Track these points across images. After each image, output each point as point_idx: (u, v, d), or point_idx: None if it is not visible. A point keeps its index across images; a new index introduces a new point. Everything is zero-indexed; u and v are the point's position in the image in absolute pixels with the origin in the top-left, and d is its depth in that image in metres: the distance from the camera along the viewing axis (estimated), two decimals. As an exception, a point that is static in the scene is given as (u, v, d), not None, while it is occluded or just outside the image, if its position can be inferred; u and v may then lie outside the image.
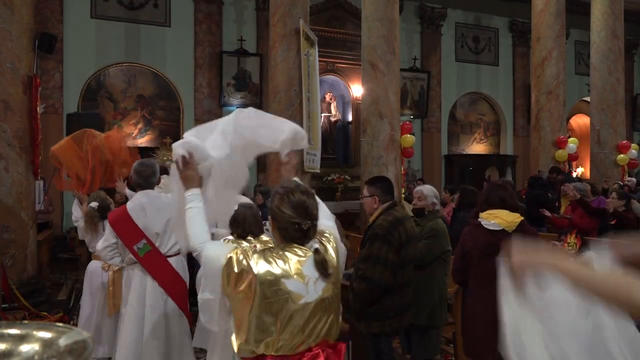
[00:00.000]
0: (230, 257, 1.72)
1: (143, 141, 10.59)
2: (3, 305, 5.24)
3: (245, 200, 3.14)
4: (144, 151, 10.33)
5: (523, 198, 7.62)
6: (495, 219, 2.95)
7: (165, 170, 3.96)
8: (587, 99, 12.05)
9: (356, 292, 3.12)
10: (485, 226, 2.95)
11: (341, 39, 11.59)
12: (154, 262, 3.32)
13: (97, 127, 5.30)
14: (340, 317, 1.93)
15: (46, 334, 0.65)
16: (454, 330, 4.39)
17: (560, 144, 9.79)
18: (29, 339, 0.64)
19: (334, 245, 1.90)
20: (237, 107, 10.54)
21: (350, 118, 12.36)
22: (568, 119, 14.17)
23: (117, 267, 3.83)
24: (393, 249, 3.07)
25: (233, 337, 1.78)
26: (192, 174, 2.10)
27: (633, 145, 10.51)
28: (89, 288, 4.27)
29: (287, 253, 1.76)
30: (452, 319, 4.32)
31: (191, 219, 1.95)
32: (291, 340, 1.75)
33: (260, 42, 10.99)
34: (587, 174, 13.09)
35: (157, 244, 3.35)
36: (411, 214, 3.93)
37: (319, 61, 8.77)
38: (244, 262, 1.70)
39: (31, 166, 5.87)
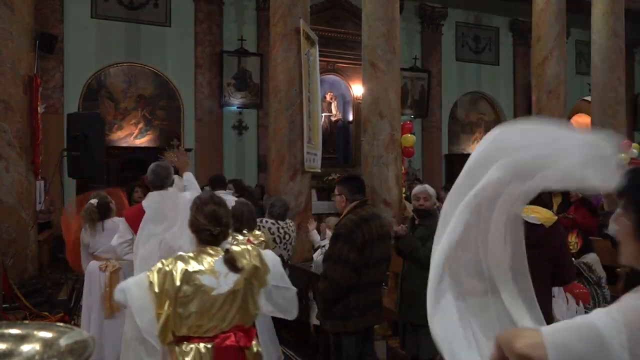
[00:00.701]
0: (151, 275, 2.09)
1: (143, 141, 10.60)
2: (4, 305, 5.25)
3: (231, 198, 3.49)
4: (144, 151, 10.38)
5: None
6: (535, 213, 3.11)
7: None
8: (588, 98, 12.05)
9: (320, 291, 3.30)
10: (525, 219, 2.96)
11: (342, 38, 11.59)
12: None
13: (97, 127, 5.31)
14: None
15: (47, 334, 0.65)
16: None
17: (561, 144, 9.76)
18: (30, 338, 0.64)
19: (254, 249, 2.28)
20: (237, 107, 10.55)
21: (350, 118, 12.36)
22: (569, 118, 14.15)
23: (114, 269, 3.96)
24: (355, 248, 3.19)
25: (158, 326, 2.09)
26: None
27: (634, 144, 10.48)
28: (89, 288, 4.28)
29: (202, 254, 2.15)
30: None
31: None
32: (207, 324, 2.11)
33: (261, 42, 10.99)
34: (588, 174, 13.07)
35: None
36: (411, 213, 3.93)
37: (320, 61, 8.75)
38: (166, 269, 2.09)
39: (32, 166, 5.88)
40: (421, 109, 12.99)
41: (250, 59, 11.07)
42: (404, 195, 8.03)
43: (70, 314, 5.58)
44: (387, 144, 7.70)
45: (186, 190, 3.68)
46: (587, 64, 11.86)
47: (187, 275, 2.09)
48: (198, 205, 2.24)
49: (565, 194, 6.70)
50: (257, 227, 4.00)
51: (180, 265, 2.10)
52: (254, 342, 2.24)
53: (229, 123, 11.19)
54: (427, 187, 3.95)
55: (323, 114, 11.74)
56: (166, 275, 2.07)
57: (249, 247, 2.29)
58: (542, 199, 3.22)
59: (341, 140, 12.47)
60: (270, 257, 2.34)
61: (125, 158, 10.20)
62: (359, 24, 8.34)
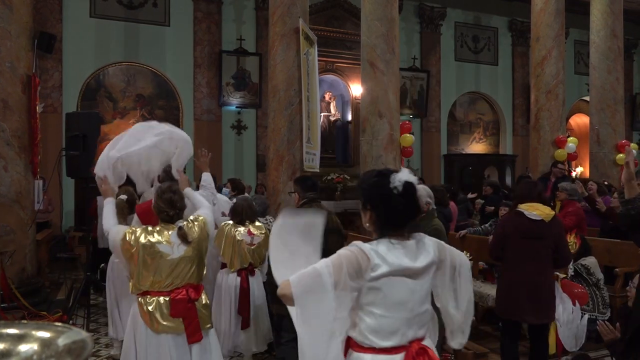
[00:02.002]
0: (125, 234, 2.81)
1: (142, 140, 10.58)
2: (2, 305, 5.24)
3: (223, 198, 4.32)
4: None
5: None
6: (536, 210, 3.70)
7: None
8: (587, 98, 12.05)
9: (273, 277, 3.64)
10: (528, 215, 3.68)
11: (341, 38, 11.60)
12: None
13: (96, 127, 5.29)
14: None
15: (45, 334, 0.65)
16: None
17: (560, 144, 9.78)
18: (28, 338, 0.64)
19: (201, 225, 2.94)
20: (236, 107, 10.55)
21: (349, 117, 12.36)
22: (567, 118, 14.16)
23: None
24: None
25: (130, 283, 2.86)
26: (106, 188, 3.26)
27: (632, 144, 10.50)
28: (112, 277, 4.49)
29: (162, 229, 2.86)
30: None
31: (106, 213, 3.05)
32: (165, 281, 2.81)
33: (260, 42, 11.00)
34: (587, 174, 13.10)
35: None
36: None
37: (319, 60, 8.75)
38: (133, 237, 2.80)
39: (30, 166, 5.86)
40: (420, 109, 13.00)
41: (249, 59, 11.07)
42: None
43: (69, 313, 5.57)
44: (386, 144, 7.71)
45: (202, 188, 4.15)
46: (586, 64, 11.88)
47: (149, 243, 2.77)
48: (159, 194, 2.91)
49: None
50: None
51: (145, 235, 2.80)
52: (203, 296, 2.94)
53: (228, 123, 11.19)
54: (422, 187, 3.96)
55: (322, 114, 11.74)
56: (135, 239, 2.79)
57: (199, 218, 2.98)
58: (542, 197, 3.77)
59: (340, 140, 12.47)
60: (211, 222, 3.03)
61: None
62: (358, 23, 8.34)
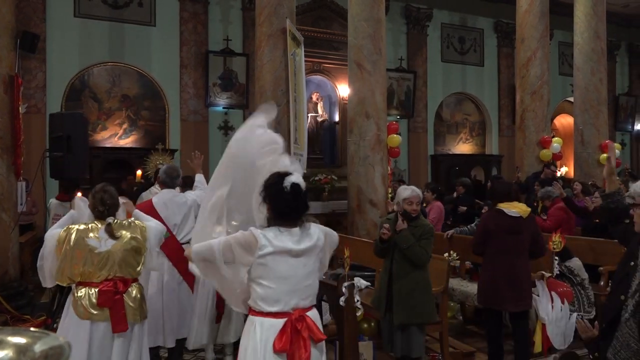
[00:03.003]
0: (60, 237, 3.07)
1: (128, 141, 10.49)
2: (-16, 309, 5.15)
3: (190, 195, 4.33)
4: (129, 151, 10.28)
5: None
6: (515, 208, 4.13)
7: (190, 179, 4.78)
8: (571, 99, 12.19)
9: None
10: (508, 213, 4.11)
11: (328, 39, 11.59)
12: (171, 247, 4.07)
13: (80, 128, 5.23)
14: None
15: (21, 340, 0.64)
16: (440, 330, 4.42)
17: (545, 144, 9.89)
18: (3, 345, 0.62)
19: (140, 228, 3.21)
20: (223, 108, 10.48)
21: (337, 118, 12.36)
22: (552, 119, 14.32)
23: None
24: None
25: (56, 274, 3.06)
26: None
27: (616, 144, 10.63)
28: None
29: (95, 224, 3.13)
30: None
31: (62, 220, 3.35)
32: (94, 273, 3.05)
33: (247, 42, 10.95)
34: (572, 173, 13.25)
35: (174, 233, 4.17)
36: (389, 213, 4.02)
37: (306, 61, 8.75)
38: (66, 234, 3.06)
39: (13, 167, 5.78)
40: (407, 109, 13.04)
41: (236, 59, 11.02)
42: (390, 195, 8.05)
43: (53, 317, 5.49)
44: (373, 145, 7.72)
45: (196, 189, 4.41)
46: (570, 65, 12.01)
47: (80, 238, 3.04)
48: (92, 193, 3.21)
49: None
50: None
51: (76, 231, 3.06)
52: (133, 290, 3.15)
53: (215, 123, 11.12)
54: (419, 191, 3.98)
55: (309, 115, 11.73)
56: (66, 236, 3.04)
57: (137, 223, 3.24)
58: (518, 196, 4.34)
59: (327, 140, 12.46)
60: (154, 230, 3.26)
61: (109, 159, 10.09)
62: (345, 24, 8.34)
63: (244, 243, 2.28)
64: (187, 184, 5.09)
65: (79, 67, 9.99)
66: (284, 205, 2.33)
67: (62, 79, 9.82)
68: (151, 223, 3.33)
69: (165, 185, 4.24)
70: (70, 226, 3.11)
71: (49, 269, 3.10)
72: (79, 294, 3.03)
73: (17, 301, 5.64)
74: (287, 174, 2.39)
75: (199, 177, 4.47)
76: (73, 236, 3.03)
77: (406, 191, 3.89)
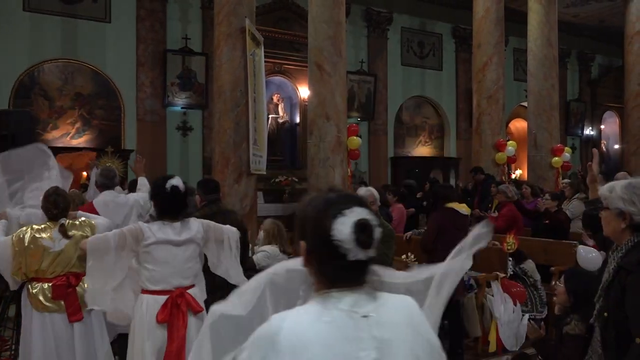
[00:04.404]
0: (13, 239, 3.23)
1: (81, 141, 10.12)
2: None
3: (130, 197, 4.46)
4: (82, 151, 9.89)
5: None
6: (462, 207, 4.67)
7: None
8: (525, 104, 12.58)
9: None
10: (460, 212, 4.62)
11: (289, 40, 11.54)
12: None
13: (26, 126, 4.99)
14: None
15: None
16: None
17: (500, 147, 10.15)
18: None
19: (90, 225, 3.41)
20: (181, 108, 10.25)
21: (298, 120, 12.32)
22: (507, 123, 14.72)
23: None
24: None
25: (14, 271, 3.22)
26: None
27: (566, 148, 11.05)
28: None
29: (47, 226, 3.31)
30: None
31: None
32: (48, 270, 3.26)
33: (206, 41, 10.76)
34: (525, 176, 13.66)
35: None
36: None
37: (267, 62, 8.66)
38: (20, 237, 3.24)
39: (-47, 167, 5.44)
40: (367, 112, 13.14)
41: (195, 59, 10.82)
42: (350, 197, 8.07)
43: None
44: (333, 147, 7.72)
45: (139, 191, 4.49)
46: (524, 71, 12.38)
47: (34, 238, 3.24)
48: (45, 196, 3.38)
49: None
50: None
51: (30, 232, 3.26)
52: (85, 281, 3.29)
53: (173, 124, 10.88)
54: (373, 190, 3.98)
55: (270, 116, 11.64)
56: (20, 238, 3.22)
57: (87, 221, 3.45)
58: (459, 197, 4.80)
59: (288, 142, 12.40)
60: (102, 227, 3.40)
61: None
62: (306, 26, 8.32)
63: (134, 233, 2.78)
64: (132, 188, 5.09)
65: (28, 64, 9.57)
66: (165, 203, 2.86)
67: (9, 75, 9.38)
68: (99, 220, 3.53)
69: (104, 187, 4.33)
70: (22, 229, 3.32)
71: (7, 273, 3.28)
72: (34, 290, 3.25)
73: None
74: (170, 177, 2.91)
75: (142, 180, 4.58)
76: (27, 236, 3.24)
77: (360, 191, 3.90)
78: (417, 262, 5.55)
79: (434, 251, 4.43)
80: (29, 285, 3.30)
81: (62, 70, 10.04)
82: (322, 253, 1.13)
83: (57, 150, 9.54)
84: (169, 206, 2.87)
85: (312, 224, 1.15)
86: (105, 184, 4.34)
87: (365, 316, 1.11)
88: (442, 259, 4.41)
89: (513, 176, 14.69)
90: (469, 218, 4.66)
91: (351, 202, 1.14)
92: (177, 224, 2.87)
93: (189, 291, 2.86)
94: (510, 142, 10.82)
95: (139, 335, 2.77)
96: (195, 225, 2.95)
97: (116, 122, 10.47)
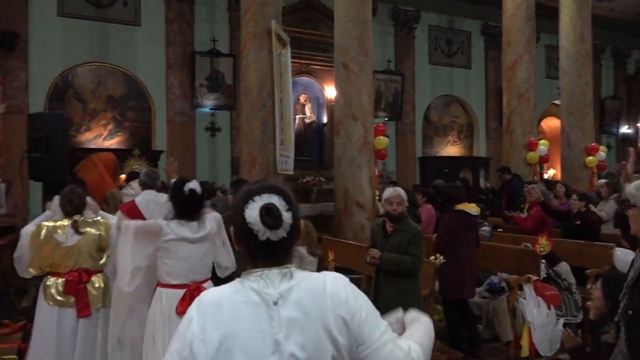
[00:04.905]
0: (33, 232, 3.43)
1: (113, 142, 10.33)
2: (-40, 314, 5.02)
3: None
4: (114, 153, 10.08)
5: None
6: (473, 208, 4.81)
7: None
8: (558, 102, 12.27)
9: None
10: (470, 212, 4.75)
11: (315, 40, 11.53)
12: None
13: (60, 129, 5.11)
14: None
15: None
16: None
17: (532, 146, 9.91)
18: None
19: (105, 225, 3.57)
20: (209, 109, 10.38)
21: (324, 120, 12.31)
22: (539, 121, 14.41)
23: None
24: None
25: (29, 263, 3.42)
26: None
27: (601, 147, 10.72)
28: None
29: (61, 221, 3.49)
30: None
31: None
32: (61, 264, 3.43)
33: (233, 43, 10.85)
34: (558, 176, 13.33)
35: None
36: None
37: (293, 63, 8.67)
38: (38, 230, 3.43)
39: (-9, 168, 5.63)
40: (395, 111, 13.03)
41: (222, 60, 10.92)
42: (377, 197, 8.01)
43: (32, 321, 5.37)
44: (360, 146, 7.68)
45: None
46: (556, 68, 12.08)
47: (49, 233, 3.42)
48: (62, 194, 3.57)
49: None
50: None
51: (48, 227, 3.44)
52: (97, 280, 3.51)
53: (202, 125, 11.01)
54: (400, 190, 3.90)
55: (297, 116, 11.67)
56: (37, 232, 3.41)
57: (101, 220, 3.60)
58: (464, 198, 4.83)
59: (315, 142, 12.40)
60: (116, 226, 3.48)
61: (94, 160, 9.92)
62: (332, 26, 8.30)
63: (152, 229, 3.03)
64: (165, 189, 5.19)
65: (62, 67, 9.83)
66: (183, 205, 3.06)
67: (44, 79, 9.64)
68: (114, 221, 3.59)
69: (146, 186, 4.44)
70: (42, 223, 3.49)
71: (24, 261, 3.46)
72: (48, 283, 3.43)
73: (-5, 306, 5.50)
74: (188, 180, 3.11)
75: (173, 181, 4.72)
76: (43, 231, 3.43)
77: (387, 192, 3.84)
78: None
79: (445, 251, 4.54)
80: (45, 279, 3.47)
81: (95, 74, 10.27)
82: (242, 235, 1.28)
83: (90, 152, 9.91)
84: (187, 208, 3.07)
85: (234, 210, 1.32)
86: (147, 184, 4.47)
87: (275, 302, 1.22)
88: (454, 258, 4.47)
89: (546, 176, 14.35)
90: (477, 217, 4.87)
91: (265, 190, 1.29)
92: (194, 223, 3.08)
93: (204, 285, 3.06)
94: (542, 141, 10.56)
95: (158, 324, 2.94)
96: (210, 223, 3.18)
97: (147, 123, 10.66)
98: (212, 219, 3.21)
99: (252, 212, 1.25)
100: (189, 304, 2.64)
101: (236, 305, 1.23)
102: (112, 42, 10.18)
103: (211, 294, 1.31)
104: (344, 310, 1.25)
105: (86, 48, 9.99)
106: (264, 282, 1.26)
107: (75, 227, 3.46)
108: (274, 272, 1.27)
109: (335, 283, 1.29)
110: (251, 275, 1.28)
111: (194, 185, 3.09)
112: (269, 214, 1.25)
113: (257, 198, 1.27)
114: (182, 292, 2.97)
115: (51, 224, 3.49)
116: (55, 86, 9.87)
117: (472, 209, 4.76)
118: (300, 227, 1.35)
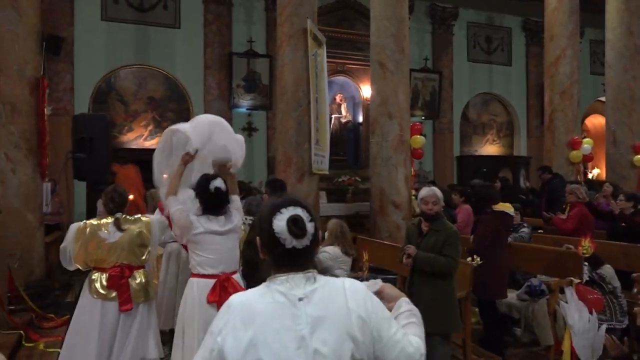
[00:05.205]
0: (79, 228, 3.57)
1: (153, 143, 10.59)
2: (10, 307, 5.24)
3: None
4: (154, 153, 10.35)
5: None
6: (509, 208, 4.93)
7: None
8: (603, 99, 11.82)
9: None
10: (509, 213, 4.90)
11: (351, 39, 11.49)
12: None
13: (103, 129, 5.28)
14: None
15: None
16: (463, 337, 4.28)
17: (575, 145, 9.58)
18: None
19: (145, 223, 3.64)
20: (246, 109, 10.47)
21: (360, 119, 12.26)
22: (583, 119, 13.91)
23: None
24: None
25: (75, 258, 3.55)
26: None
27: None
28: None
29: (107, 220, 3.59)
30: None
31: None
32: (105, 260, 3.53)
33: (270, 43, 10.94)
34: (603, 175, 12.84)
35: None
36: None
37: (329, 62, 8.67)
38: (83, 226, 3.58)
39: (38, 168, 5.86)
40: (432, 110, 12.85)
41: (259, 61, 11.03)
42: (413, 197, 7.92)
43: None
44: (396, 145, 7.61)
45: None
46: (602, 64, 11.64)
47: (94, 230, 3.56)
48: (105, 192, 3.70)
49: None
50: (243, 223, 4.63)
51: (91, 225, 3.59)
52: (139, 275, 3.60)
53: (239, 125, 11.15)
54: (436, 190, 3.83)
55: (333, 116, 11.65)
56: (83, 228, 3.57)
57: (142, 218, 3.69)
58: (499, 198, 4.94)
59: (351, 142, 12.36)
60: (156, 223, 3.66)
61: (135, 160, 10.19)
62: (369, 24, 8.25)
63: (184, 223, 3.19)
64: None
65: (105, 70, 10.15)
66: (209, 201, 3.22)
67: (89, 81, 9.99)
68: (153, 217, 3.79)
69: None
70: (87, 221, 3.69)
71: (69, 254, 3.61)
72: (93, 277, 3.57)
73: (42, 300, 5.72)
74: (213, 177, 3.26)
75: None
76: (88, 229, 3.59)
77: (422, 191, 3.79)
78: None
79: (483, 252, 4.54)
80: (91, 273, 3.63)
81: (136, 75, 10.56)
82: (268, 244, 1.41)
83: (132, 152, 10.21)
84: (212, 204, 3.24)
85: (261, 222, 1.45)
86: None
87: (300, 299, 1.36)
88: (491, 258, 4.50)
89: (590, 175, 13.86)
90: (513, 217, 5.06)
91: (290, 204, 1.42)
92: (222, 217, 3.27)
93: (233, 276, 3.24)
94: (586, 139, 10.19)
95: (190, 313, 3.11)
96: (237, 217, 3.37)
97: (185, 124, 10.86)
98: (239, 213, 3.41)
99: (280, 223, 1.38)
100: (219, 293, 3.07)
101: (264, 306, 1.35)
102: (153, 44, 10.44)
103: (240, 296, 1.44)
104: (363, 310, 1.38)
105: (128, 51, 10.28)
106: (289, 284, 1.38)
107: (118, 224, 3.59)
108: (299, 276, 1.39)
109: (354, 286, 1.43)
110: (277, 279, 1.40)
111: (219, 183, 3.25)
112: (296, 225, 1.38)
113: (283, 210, 1.40)
114: (212, 282, 3.13)
115: (95, 221, 3.66)
116: (99, 88, 10.20)
117: (510, 209, 4.87)
118: (319, 236, 1.48)
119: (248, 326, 1.32)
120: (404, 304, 1.55)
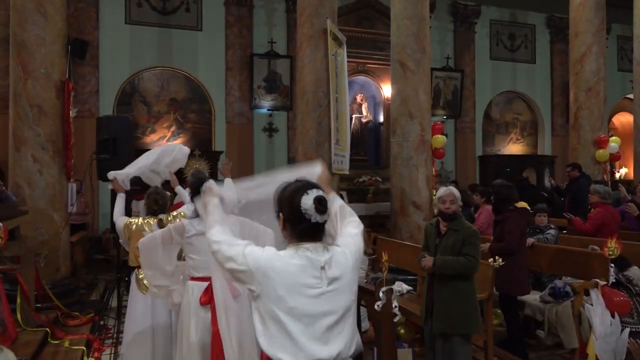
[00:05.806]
0: (125, 223, 3.86)
1: (176, 144, 10.73)
2: (36, 305, 5.35)
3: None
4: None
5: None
6: (529, 206, 5.13)
7: None
8: (631, 96, 11.53)
9: None
10: (532, 210, 5.22)
11: (372, 39, 11.46)
12: None
13: (126, 131, 5.36)
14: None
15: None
16: (485, 339, 4.22)
17: (601, 144, 9.35)
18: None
19: (180, 218, 3.74)
20: (267, 110, 10.53)
21: (381, 119, 12.21)
22: (611, 117, 13.60)
23: None
24: None
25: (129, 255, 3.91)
26: (117, 186, 4.30)
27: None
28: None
29: (148, 219, 3.86)
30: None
31: (116, 206, 4.12)
32: None
33: (291, 44, 10.99)
34: (631, 174, 12.52)
35: None
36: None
37: (350, 62, 8.65)
38: (129, 224, 3.85)
39: (64, 169, 5.99)
40: (454, 109, 12.72)
41: (280, 61, 11.08)
42: (434, 197, 7.84)
43: (101, 314, 5.67)
44: (416, 145, 7.54)
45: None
46: (630, 61, 11.36)
47: (138, 230, 3.76)
48: (148, 194, 3.91)
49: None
50: None
51: (137, 224, 3.81)
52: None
53: (260, 125, 11.23)
54: (453, 189, 3.79)
55: (354, 116, 11.64)
56: (129, 226, 3.82)
57: (181, 213, 3.83)
58: (517, 196, 4.93)
59: (372, 141, 12.32)
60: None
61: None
62: (389, 24, 8.21)
63: (178, 229, 3.24)
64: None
65: (129, 72, 10.33)
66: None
67: (113, 83, 10.18)
68: (185, 208, 3.91)
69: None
70: (131, 220, 3.91)
71: (127, 247, 3.92)
72: (141, 276, 3.75)
73: (67, 298, 5.84)
74: (205, 179, 3.20)
75: (228, 181, 4.74)
76: (133, 228, 3.82)
77: (440, 191, 3.75)
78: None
79: (515, 254, 4.56)
80: (137, 271, 3.83)
81: (159, 78, 10.71)
82: (295, 219, 1.75)
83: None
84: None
85: (288, 200, 1.76)
86: (195, 185, 4.68)
87: (322, 267, 1.75)
88: (519, 256, 4.65)
89: (617, 175, 13.53)
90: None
91: (312, 186, 1.78)
92: None
93: None
94: (614, 137, 9.95)
95: (186, 315, 3.21)
96: (232, 219, 3.30)
97: (207, 125, 10.99)
98: (234, 216, 3.39)
99: (308, 202, 1.72)
100: (212, 295, 2.91)
101: (291, 262, 1.73)
102: (175, 46, 10.59)
103: (270, 258, 1.75)
104: (355, 260, 1.88)
105: (151, 53, 10.45)
106: (314, 252, 1.76)
107: (161, 225, 3.74)
108: (318, 245, 1.77)
109: (349, 249, 1.88)
110: (302, 246, 1.76)
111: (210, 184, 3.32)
112: (321, 203, 1.73)
113: (309, 191, 1.73)
114: (206, 284, 3.12)
115: (140, 221, 3.84)
116: (123, 90, 10.38)
117: (528, 207, 5.08)
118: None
119: (272, 263, 1.71)
120: (335, 203, 2.02)
